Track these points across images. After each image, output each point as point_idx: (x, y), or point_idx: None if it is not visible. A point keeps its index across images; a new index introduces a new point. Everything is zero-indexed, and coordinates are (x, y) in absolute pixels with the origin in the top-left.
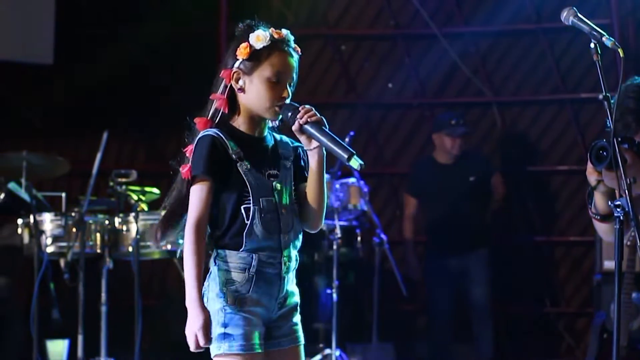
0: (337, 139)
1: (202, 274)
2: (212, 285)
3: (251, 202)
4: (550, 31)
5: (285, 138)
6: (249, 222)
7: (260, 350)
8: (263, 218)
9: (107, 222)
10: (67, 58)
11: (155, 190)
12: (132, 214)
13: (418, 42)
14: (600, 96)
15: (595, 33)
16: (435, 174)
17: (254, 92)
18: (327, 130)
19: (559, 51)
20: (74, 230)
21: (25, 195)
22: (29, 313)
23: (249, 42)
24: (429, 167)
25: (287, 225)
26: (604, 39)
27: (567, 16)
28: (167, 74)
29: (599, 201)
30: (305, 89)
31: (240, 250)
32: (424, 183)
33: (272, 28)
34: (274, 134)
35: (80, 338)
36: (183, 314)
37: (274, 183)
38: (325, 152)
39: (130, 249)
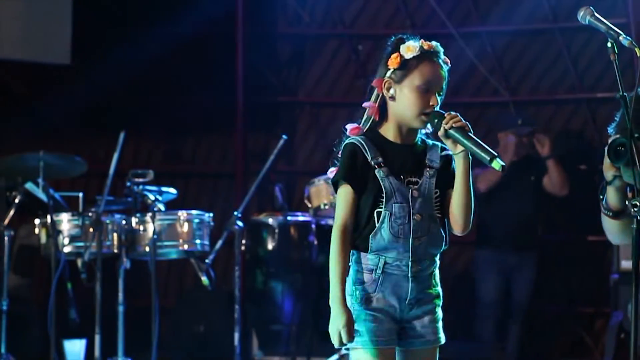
0: (480, 142)
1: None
2: (348, 283)
3: (384, 207)
4: (567, 30)
5: (437, 145)
6: (377, 225)
7: (386, 346)
8: (392, 222)
9: (124, 222)
10: (85, 58)
11: (172, 190)
12: (149, 214)
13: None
14: (617, 95)
15: (612, 32)
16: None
17: (403, 100)
18: (471, 134)
19: (576, 50)
20: (91, 230)
21: (42, 195)
22: (46, 313)
23: (399, 53)
24: None
25: (420, 231)
26: (620, 38)
27: (584, 15)
28: (184, 74)
29: (612, 197)
30: (322, 88)
31: (368, 252)
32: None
33: (422, 40)
34: (427, 140)
35: (97, 338)
36: (200, 313)
37: (411, 190)
38: (471, 157)
39: (147, 248)
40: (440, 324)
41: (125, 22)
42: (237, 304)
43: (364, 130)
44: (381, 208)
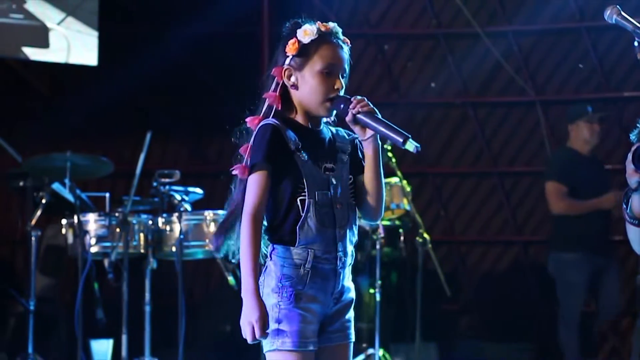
0: (391, 125)
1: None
2: (268, 280)
3: (306, 194)
4: (593, 29)
5: (342, 131)
6: (303, 215)
7: (313, 348)
8: (318, 211)
9: (150, 222)
10: (111, 59)
11: (199, 190)
12: (176, 214)
13: (460, 41)
14: None
15: (639, 31)
16: (581, 164)
17: (306, 87)
18: (380, 117)
19: (602, 50)
20: (118, 230)
21: (69, 196)
22: (73, 313)
23: (297, 38)
24: (574, 158)
25: (342, 220)
26: None
27: (611, 14)
28: (210, 74)
29: (638, 204)
30: (348, 88)
31: (296, 245)
32: (570, 173)
33: (318, 22)
34: (330, 127)
35: (124, 338)
36: (226, 313)
37: (330, 177)
38: (380, 142)
39: (174, 248)
40: (352, 319)
41: (150, 22)
42: None
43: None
44: (303, 196)
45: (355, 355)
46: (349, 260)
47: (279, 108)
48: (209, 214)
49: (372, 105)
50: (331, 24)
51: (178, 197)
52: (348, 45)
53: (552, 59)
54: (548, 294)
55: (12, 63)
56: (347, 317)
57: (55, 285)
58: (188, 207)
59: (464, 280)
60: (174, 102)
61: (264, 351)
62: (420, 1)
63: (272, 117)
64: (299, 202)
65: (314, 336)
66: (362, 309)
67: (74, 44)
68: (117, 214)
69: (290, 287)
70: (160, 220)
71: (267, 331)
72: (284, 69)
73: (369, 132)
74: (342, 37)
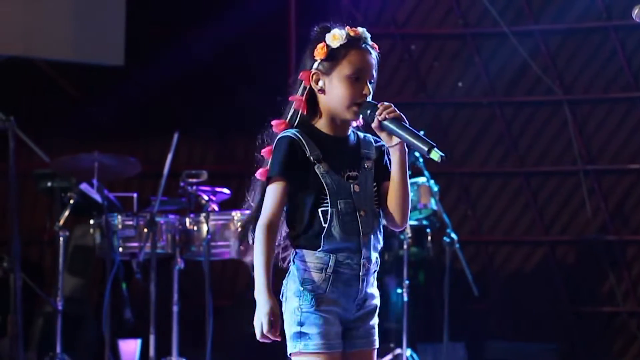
0: (417, 133)
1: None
2: (290, 283)
3: (329, 204)
4: (621, 28)
5: (369, 137)
6: (326, 225)
7: (336, 350)
8: (341, 220)
9: (178, 222)
10: (138, 59)
11: (226, 190)
12: (203, 214)
13: (487, 41)
14: None
15: None
16: None
17: (334, 92)
18: (406, 125)
19: (630, 49)
20: (146, 230)
21: (97, 196)
22: (101, 313)
23: (325, 42)
24: None
25: (366, 227)
26: None
27: (638, 13)
28: (236, 74)
29: None
30: (375, 89)
31: (318, 250)
32: None
33: (347, 27)
34: (358, 133)
35: (152, 338)
36: (253, 314)
37: (352, 185)
38: (407, 149)
39: (201, 249)
40: (376, 325)
41: (178, 23)
42: None
43: (293, 125)
44: (326, 206)
45: (384, 355)
46: (374, 267)
47: (305, 113)
48: (236, 214)
49: (399, 112)
50: (360, 29)
51: (205, 197)
52: (377, 52)
53: (579, 58)
54: (575, 294)
55: (39, 64)
56: (371, 323)
57: (83, 285)
58: (215, 207)
59: (492, 280)
60: (201, 102)
61: (288, 354)
62: (447, 1)
63: (297, 123)
64: (320, 213)
65: (337, 338)
66: (389, 309)
67: (100, 44)
68: (144, 214)
69: (311, 290)
70: (188, 221)
71: (288, 334)
72: (311, 73)
73: (395, 139)
74: (370, 42)
